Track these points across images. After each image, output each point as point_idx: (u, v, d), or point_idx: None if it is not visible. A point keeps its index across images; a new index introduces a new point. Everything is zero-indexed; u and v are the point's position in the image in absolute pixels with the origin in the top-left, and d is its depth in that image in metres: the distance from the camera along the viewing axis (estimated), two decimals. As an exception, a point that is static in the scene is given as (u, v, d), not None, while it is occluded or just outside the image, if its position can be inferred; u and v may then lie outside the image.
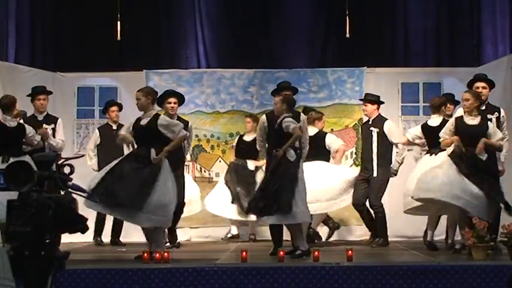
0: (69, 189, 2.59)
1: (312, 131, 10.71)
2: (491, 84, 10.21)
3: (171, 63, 13.61)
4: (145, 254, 8.78)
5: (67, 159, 2.63)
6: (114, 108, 11.82)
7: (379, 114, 11.13)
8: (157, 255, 8.69)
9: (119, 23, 13.26)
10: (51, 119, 11.09)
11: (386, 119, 11.12)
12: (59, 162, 2.62)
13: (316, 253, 8.68)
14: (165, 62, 13.61)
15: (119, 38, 13.33)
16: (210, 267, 8.20)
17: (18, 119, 10.30)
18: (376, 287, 7.94)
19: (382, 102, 11.32)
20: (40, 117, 11.02)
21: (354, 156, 12.82)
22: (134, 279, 7.98)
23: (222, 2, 13.91)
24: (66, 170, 2.60)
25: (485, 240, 8.60)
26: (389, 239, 11.05)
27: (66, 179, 2.57)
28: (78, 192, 2.62)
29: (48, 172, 2.55)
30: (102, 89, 13.25)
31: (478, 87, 10.03)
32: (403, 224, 11.57)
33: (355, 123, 12.73)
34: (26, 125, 10.22)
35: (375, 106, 11.12)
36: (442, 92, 12.77)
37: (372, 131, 10.93)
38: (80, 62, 13.66)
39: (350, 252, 8.63)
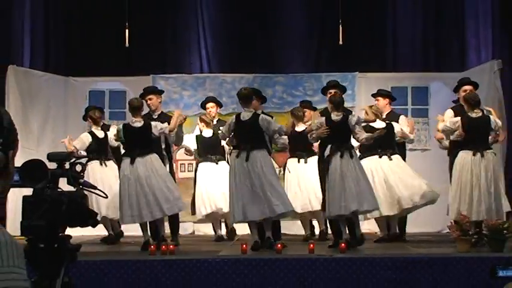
0: (81, 186, 2.59)
1: (301, 127, 10.73)
2: (476, 87, 10.25)
3: (175, 68, 13.60)
4: (152, 246, 8.80)
5: (78, 158, 2.63)
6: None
7: (392, 109, 11.05)
8: (164, 247, 8.72)
9: (127, 31, 13.25)
10: (164, 117, 10.52)
11: (401, 114, 11.09)
12: (71, 160, 2.62)
13: (311, 245, 8.71)
14: (170, 67, 13.61)
15: (127, 44, 13.32)
16: (212, 258, 8.21)
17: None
18: (367, 277, 7.95)
19: (395, 98, 11.27)
20: (154, 116, 10.49)
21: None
22: (142, 269, 7.99)
23: (223, 11, 13.91)
24: (78, 168, 2.59)
25: (469, 233, 8.62)
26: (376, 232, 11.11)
27: (77, 176, 2.57)
28: (89, 189, 2.62)
29: (61, 170, 2.55)
30: (111, 92, 13.26)
31: (465, 90, 10.08)
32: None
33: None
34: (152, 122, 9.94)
35: (387, 101, 11.00)
36: (429, 96, 12.80)
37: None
38: (91, 67, 13.66)
39: (343, 245, 8.65)
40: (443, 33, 13.79)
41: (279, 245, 8.72)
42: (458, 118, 9.66)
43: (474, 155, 9.54)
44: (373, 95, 11.17)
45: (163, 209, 9.67)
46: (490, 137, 9.68)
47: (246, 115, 9.49)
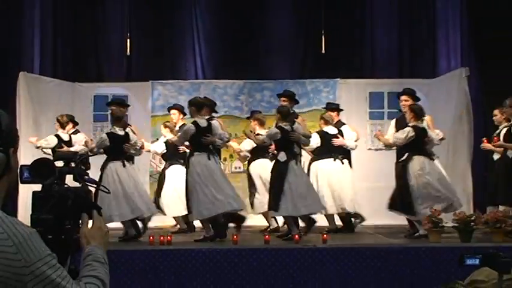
0: (85, 182, 2.60)
1: (262, 131, 10.79)
2: (413, 96, 10.24)
3: (172, 75, 13.59)
4: (151, 237, 8.80)
5: (82, 157, 2.64)
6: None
7: (339, 119, 11.26)
8: (161, 238, 8.71)
9: (128, 40, 13.26)
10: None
11: (344, 124, 11.28)
12: (77, 159, 2.64)
13: (296, 236, 8.74)
14: (168, 74, 13.59)
15: (128, 53, 13.35)
16: (206, 248, 8.22)
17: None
18: (347, 265, 7.98)
19: (341, 110, 11.45)
20: None
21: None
22: (141, 259, 7.99)
23: (216, 22, 13.91)
24: (83, 165, 2.61)
25: (440, 225, 8.66)
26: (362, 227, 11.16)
27: (82, 173, 2.58)
28: (93, 185, 2.63)
29: (67, 168, 2.57)
30: (114, 97, 13.23)
31: (401, 100, 10.11)
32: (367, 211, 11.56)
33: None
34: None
35: (335, 113, 11.22)
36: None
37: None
38: (95, 74, 13.68)
39: (325, 235, 8.69)
40: (417, 43, 13.83)
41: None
42: (408, 129, 9.64)
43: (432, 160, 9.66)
44: (325, 108, 11.43)
45: (151, 208, 10.01)
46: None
47: (203, 122, 9.49)
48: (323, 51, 13.05)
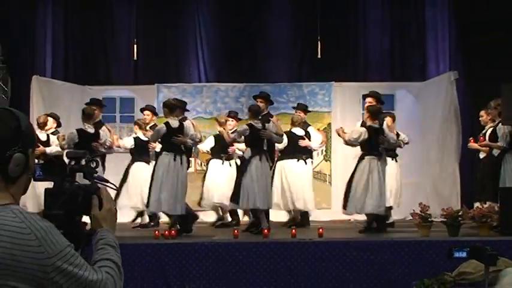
0: (95, 180, 2.59)
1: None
2: (377, 98, 10.17)
3: (176, 78, 13.58)
4: (156, 232, 8.79)
5: (92, 156, 2.63)
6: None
7: (305, 121, 11.34)
8: (166, 232, 8.70)
9: (135, 46, 13.26)
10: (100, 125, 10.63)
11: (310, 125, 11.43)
12: (87, 157, 2.63)
13: (293, 231, 8.74)
14: (172, 77, 13.58)
15: (135, 57, 13.35)
16: (209, 242, 8.22)
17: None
18: (342, 258, 7.98)
19: (309, 111, 11.61)
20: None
21: (324, 153, 12.87)
22: (147, 252, 7.98)
23: (218, 29, 13.89)
24: (93, 164, 2.60)
25: (429, 220, 8.66)
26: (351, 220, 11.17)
27: (92, 171, 2.58)
28: (102, 182, 2.63)
29: (78, 166, 2.56)
30: (122, 99, 13.24)
31: (366, 102, 10.11)
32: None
33: (325, 127, 12.77)
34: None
35: (303, 113, 11.30)
36: (395, 102, 12.83)
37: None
38: (104, 77, 13.67)
39: (321, 230, 8.68)
40: (407, 47, 13.82)
41: (266, 230, 8.74)
42: (363, 130, 9.66)
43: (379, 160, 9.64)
44: (294, 108, 11.50)
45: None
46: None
47: (174, 123, 9.49)
48: (319, 55, 13.05)
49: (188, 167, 10.24)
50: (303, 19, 13.84)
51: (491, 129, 9.86)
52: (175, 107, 9.74)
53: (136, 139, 11.11)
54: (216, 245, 8.10)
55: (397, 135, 10.67)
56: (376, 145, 9.61)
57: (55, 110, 11.81)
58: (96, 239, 2.38)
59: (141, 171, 10.89)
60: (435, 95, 12.34)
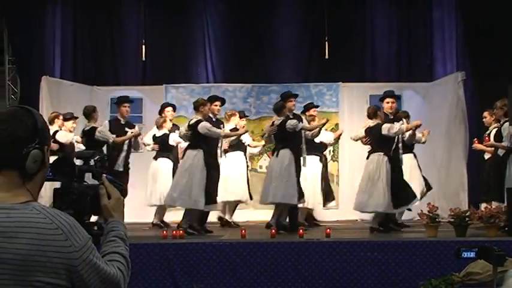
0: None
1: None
2: (396, 99, 10.28)
3: (185, 78, 13.57)
4: (165, 232, 8.79)
5: (101, 155, 2.63)
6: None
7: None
8: (174, 232, 8.70)
9: (143, 46, 13.28)
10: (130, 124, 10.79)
11: None
12: (96, 157, 2.63)
13: (300, 231, 8.72)
14: (180, 77, 13.57)
15: (143, 58, 13.36)
16: (216, 242, 8.22)
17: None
18: (349, 258, 7.96)
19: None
20: (122, 122, 10.66)
21: (332, 153, 12.84)
22: (155, 251, 7.99)
23: (226, 30, 13.88)
24: (101, 164, 2.60)
25: (436, 220, 8.63)
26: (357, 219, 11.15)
27: (101, 171, 2.58)
28: (111, 182, 2.62)
29: (86, 166, 2.56)
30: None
31: (388, 102, 10.08)
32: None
33: (333, 127, 12.73)
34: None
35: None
36: (402, 102, 12.79)
37: None
38: (112, 78, 13.69)
39: (328, 230, 8.67)
40: (414, 48, 13.78)
41: (273, 230, 8.74)
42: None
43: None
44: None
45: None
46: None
47: (192, 121, 9.74)
48: (326, 56, 13.04)
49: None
50: (311, 19, 13.82)
51: (496, 129, 9.83)
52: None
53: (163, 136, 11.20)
54: (223, 244, 8.10)
55: (414, 135, 10.67)
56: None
57: (63, 110, 11.82)
58: (107, 229, 2.40)
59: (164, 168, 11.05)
60: (442, 96, 12.31)
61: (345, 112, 12.97)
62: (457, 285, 7.16)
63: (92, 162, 2.59)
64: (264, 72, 13.57)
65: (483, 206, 9.46)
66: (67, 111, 11.38)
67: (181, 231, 8.80)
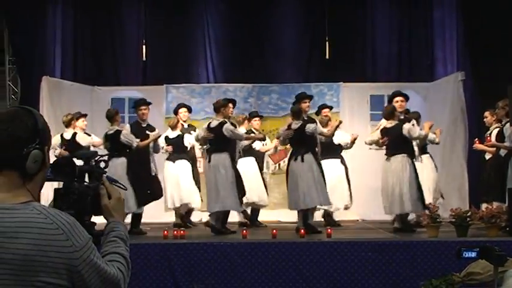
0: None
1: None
2: (406, 98, 10.22)
3: (185, 79, 13.56)
4: (165, 232, 8.78)
5: (102, 156, 2.62)
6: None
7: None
8: (175, 232, 8.69)
9: (144, 46, 13.27)
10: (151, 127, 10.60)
11: None
12: (96, 158, 2.62)
13: (301, 231, 8.71)
14: (181, 78, 13.56)
15: (144, 58, 13.35)
16: (217, 242, 8.21)
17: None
18: (350, 258, 7.95)
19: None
20: (143, 125, 10.53)
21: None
22: (156, 251, 7.98)
23: (227, 30, 13.88)
24: (102, 164, 2.59)
25: (437, 221, 8.62)
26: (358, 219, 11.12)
27: (101, 171, 2.57)
28: (112, 183, 2.61)
29: (87, 166, 2.55)
30: (131, 99, 13.16)
31: (397, 101, 10.03)
32: (370, 208, 11.54)
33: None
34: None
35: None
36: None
37: None
38: (113, 78, 13.68)
39: (329, 230, 8.66)
40: (415, 48, 13.78)
41: (274, 231, 8.71)
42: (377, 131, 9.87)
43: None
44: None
45: None
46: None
47: (213, 123, 9.55)
48: (327, 57, 13.04)
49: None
50: (311, 19, 13.82)
51: (497, 129, 9.82)
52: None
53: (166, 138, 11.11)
54: (224, 245, 8.09)
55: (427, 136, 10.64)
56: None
57: (64, 111, 11.83)
58: (108, 229, 2.41)
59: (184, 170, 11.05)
60: (443, 96, 12.31)
61: (345, 112, 12.95)
62: (458, 286, 7.15)
63: (92, 163, 2.58)
64: (265, 72, 13.56)
65: (484, 206, 9.44)
66: (68, 111, 11.37)
67: (182, 231, 8.80)
